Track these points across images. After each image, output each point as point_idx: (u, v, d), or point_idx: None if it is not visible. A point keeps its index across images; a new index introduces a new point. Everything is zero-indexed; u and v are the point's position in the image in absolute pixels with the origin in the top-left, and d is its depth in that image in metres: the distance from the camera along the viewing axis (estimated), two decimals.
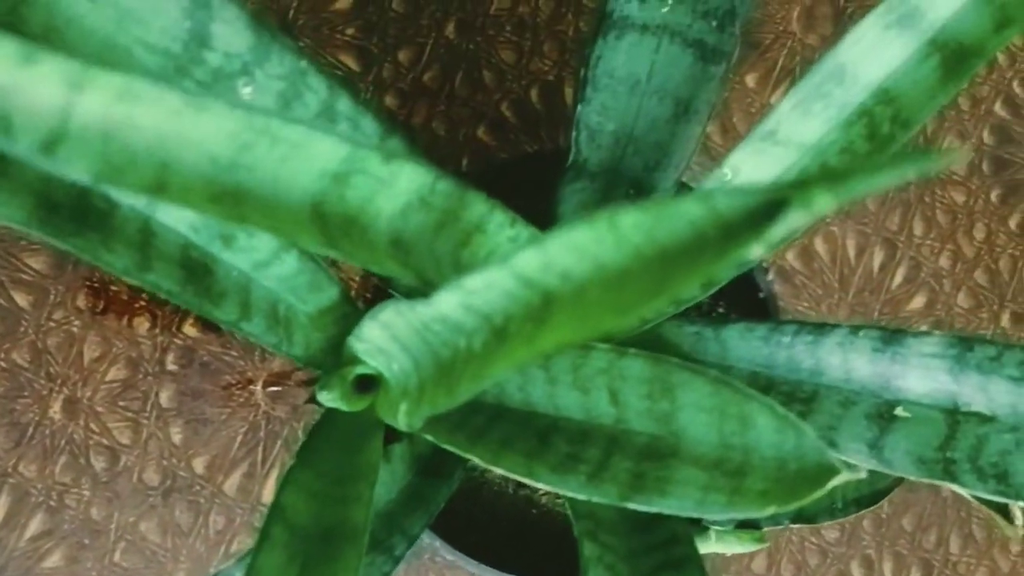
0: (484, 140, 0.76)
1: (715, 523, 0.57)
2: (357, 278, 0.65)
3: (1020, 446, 0.48)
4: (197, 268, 0.46)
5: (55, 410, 0.71)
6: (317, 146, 0.38)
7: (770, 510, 0.43)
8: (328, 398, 0.45)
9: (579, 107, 0.54)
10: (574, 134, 0.54)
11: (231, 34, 0.44)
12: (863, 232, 0.80)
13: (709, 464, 0.45)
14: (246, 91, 0.45)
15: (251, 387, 0.73)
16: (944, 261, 0.81)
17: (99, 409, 0.72)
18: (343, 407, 0.45)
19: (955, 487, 0.49)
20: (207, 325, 0.73)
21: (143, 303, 0.72)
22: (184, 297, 0.45)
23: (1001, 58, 0.82)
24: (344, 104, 0.46)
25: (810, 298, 0.79)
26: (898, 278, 0.80)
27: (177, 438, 0.72)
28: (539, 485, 0.46)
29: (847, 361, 0.51)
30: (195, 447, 0.72)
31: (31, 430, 0.71)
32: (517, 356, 0.39)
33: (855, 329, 0.52)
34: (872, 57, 0.48)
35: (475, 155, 0.75)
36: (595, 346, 0.46)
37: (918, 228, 0.80)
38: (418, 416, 0.44)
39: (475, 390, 0.41)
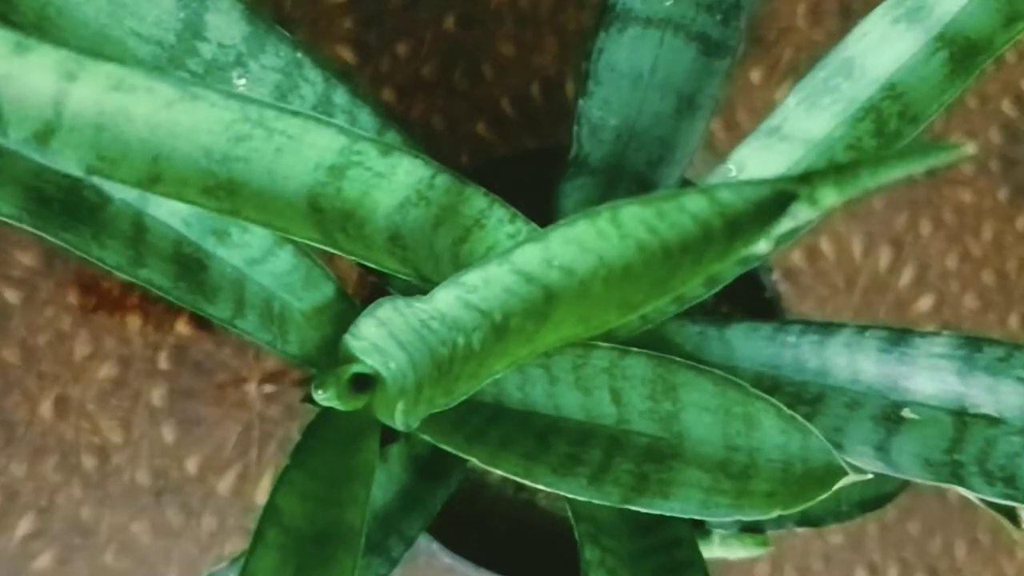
0: (484, 135, 0.75)
1: (718, 526, 0.57)
2: (354, 276, 0.64)
3: None
4: (190, 264, 0.45)
5: (45, 409, 0.70)
6: (313, 138, 0.37)
7: (775, 512, 0.42)
8: (323, 397, 0.44)
9: (581, 101, 0.53)
10: (575, 128, 0.53)
11: (226, 24, 0.43)
12: (869, 232, 0.79)
13: (713, 466, 0.44)
14: (240, 83, 0.45)
15: (245, 387, 0.72)
16: (951, 262, 0.80)
17: (90, 408, 0.71)
18: (339, 406, 0.45)
19: (963, 490, 0.48)
20: (200, 323, 0.72)
21: (135, 301, 0.71)
22: (177, 293, 0.44)
23: (1009, 56, 0.81)
24: (341, 97, 0.46)
25: (816, 299, 0.78)
26: (905, 279, 0.79)
27: (169, 438, 0.71)
28: (539, 487, 0.45)
29: (854, 362, 0.50)
30: (187, 447, 0.71)
31: (21, 429, 0.70)
32: (517, 353, 0.38)
33: (862, 329, 0.51)
34: (880, 51, 0.47)
35: (474, 151, 0.74)
36: (597, 345, 0.46)
37: (925, 228, 0.79)
38: (415, 415, 0.43)
39: (474, 388, 0.40)
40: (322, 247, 0.38)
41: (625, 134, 0.53)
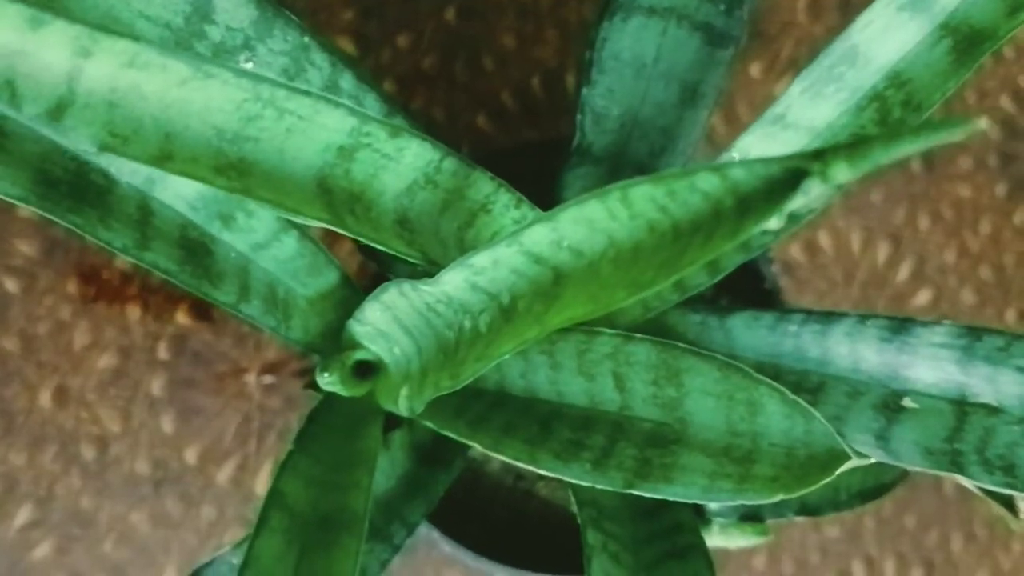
0: (484, 128, 0.75)
1: (718, 515, 0.57)
2: (354, 265, 0.64)
3: None
4: (196, 248, 0.45)
5: (45, 398, 0.70)
6: (324, 118, 0.37)
7: (779, 496, 0.43)
8: (327, 382, 0.44)
9: (584, 90, 0.53)
10: (579, 117, 0.53)
11: (234, 7, 0.43)
12: (868, 226, 0.79)
13: (717, 451, 0.44)
14: (248, 66, 0.45)
15: (244, 377, 0.72)
16: (949, 256, 0.80)
17: (90, 398, 0.71)
18: (342, 392, 0.44)
19: (962, 479, 0.48)
20: (200, 314, 0.72)
21: (135, 291, 0.71)
22: (182, 277, 0.44)
23: (1008, 52, 0.81)
24: (347, 81, 0.46)
25: (814, 293, 0.78)
26: (903, 273, 0.79)
27: (169, 428, 0.71)
28: (542, 471, 0.45)
29: (855, 351, 0.51)
30: (187, 437, 0.71)
31: (20, 418, 0.70)
32: (526, 335, 0.38)
33: (863, 318, 0.51)
34: (884, 40, 0.47)
35: (475, 143, 0.74)
36: (601, 331, 0.46)
37: (923, 223, 0.80)
38: (420, 400, 0.44)
39: (481, 370, 0.40)
40: (332, 228, 0.38)
41: (628, 123, 0.53)
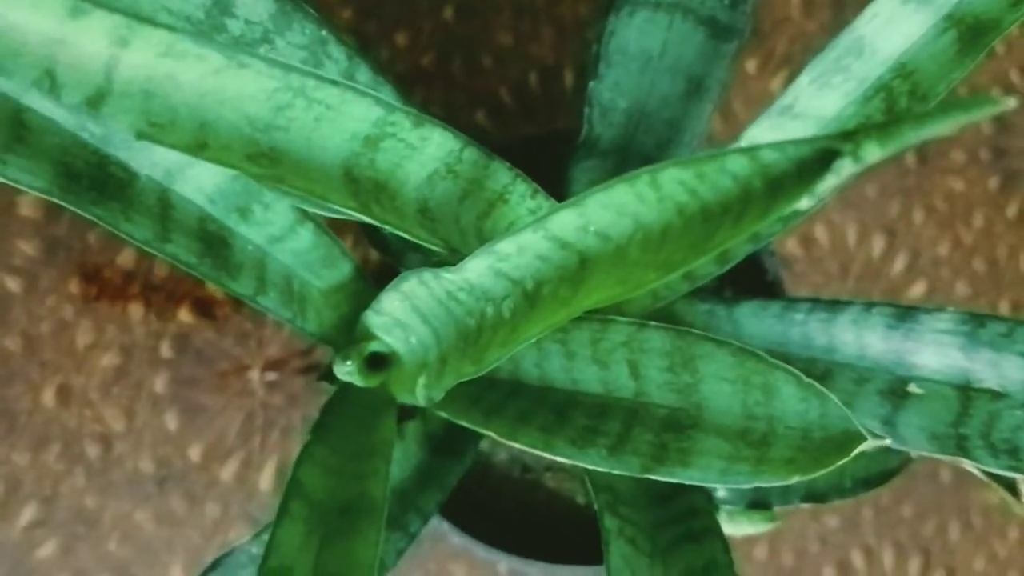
0: (483, 125, 0.75)
1: (726, 502, 0.57)
2: (358, 258, 0.65)
3: None
4: (214, 241, 0.46)
5: (48, 398, 0.70)
6: (351, 108, 0.37)
7: (796, 478, 0.43)
8: (345, 372, 0.44)
9: (592, 84, 0.53)
10: (586, 111, 0.53)
11: (253, 1, 0.44)
12: (863, 220, 0.80)
13: (733, 434, 0.44)
14: None
15: (247, 375, 0.72)
16: (943, 249, 0.81)
17: (93, 397, 0.71)
18: (359, 383, 0.45)
19: (968, 463, 0.49)
20: (202, 311, 0.72)
21: (137, 289, 0.71)
22: (202, 269, 0.45)
23: (999, 47, 0.82)
24: (364, 74, 0.46)
25: (811, 286, 0.79)
26: (898, 266, 0.80)
27: (172, 426, 0.71)
28: (558, 458, 0.45)
29: (860, 338, 0.51)
30: (190, 435, 0.72)
31: (23, 418, 0.70)
32: (552, 318, 0.39)
33: (868, 306, 0.52)
34: (890, 31, 0.48)
35: (474, 139, 0.75)
36: (614, 319, 0.46)
37: (917, 216, 0.80)
38: (440, 388, 0.44)
39: (506, 355, 0.41)
40: (360, 216, 0.39)
41: (635, 116, 0.54)
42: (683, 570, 0.47)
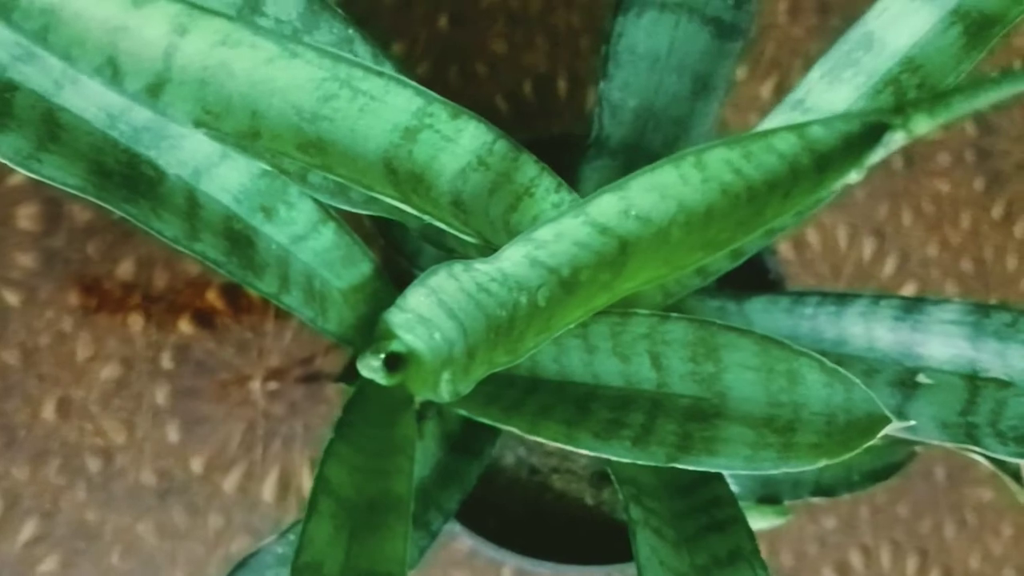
0: None
1: (739, 497, 0.58)
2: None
3: None
4: (240, 239, 0.46)
5: (47, 411, 0.70)
6: (393, 98, 0.38)
7: (822, 462, 0.44)
8: (369, 368, 0.44)
9: (601, 84, 0.54)
10: (597, 110, 0.54)
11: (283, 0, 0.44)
12: (853, 223, 0.81)
13: (758, 422, 0.45)
14: None
15: (248, 385, 0.72)
16: (932, 250, 0.82)
17: (93, 409, 0.70)
18: (382, 381, 0.45)
19: (977, 451, 0.49)
20: (202, 322, 0.72)
21: (137, 301, 0.71)
22: (229, 268, 0.45)
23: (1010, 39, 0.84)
24: (388, 72, 0.47)
25: (803, 288, 0.80)
26: (888, 267, 0.81)
27: (173, 438, 0.71)
28: (581, 451, 0.45)
29: (869, 330, 0.52)
30: (192, 446, 0.71)
31: (22, 432, 0.70)
32: (592, 303, 0.39)
33: (876, 299, 0.52)
34: (898, 25, 0.48)
35: None
36: (635, 312, 0.47)
37: (906, 218, 0.81)
38: (468, 382, 0.44)
39: (543, 342, 0.41)
40: (401, 205, 0.39)
41: (644, 115, 0.55)
42: (709, 558, 0.47)
